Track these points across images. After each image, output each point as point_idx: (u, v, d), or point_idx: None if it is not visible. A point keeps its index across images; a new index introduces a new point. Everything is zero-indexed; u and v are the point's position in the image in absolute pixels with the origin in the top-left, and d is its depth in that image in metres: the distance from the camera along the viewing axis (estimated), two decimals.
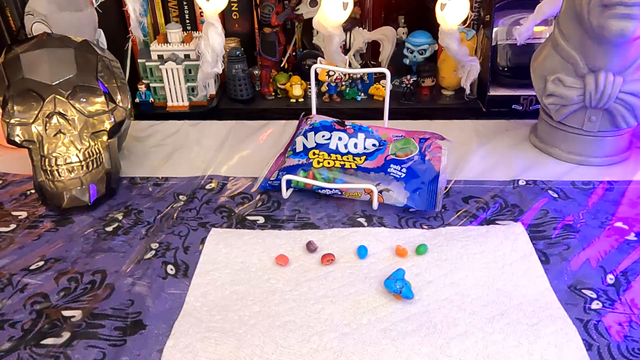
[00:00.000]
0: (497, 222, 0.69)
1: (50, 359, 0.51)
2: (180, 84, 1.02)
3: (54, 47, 0.73)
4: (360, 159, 0.77)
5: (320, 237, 0.67)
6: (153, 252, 0.65)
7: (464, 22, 0.99)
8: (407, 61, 1.07)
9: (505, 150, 0.87)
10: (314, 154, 0.77)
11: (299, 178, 0.73)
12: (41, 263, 0.64)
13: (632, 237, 0.66)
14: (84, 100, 0.73)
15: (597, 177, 0.78)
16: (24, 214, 0.73)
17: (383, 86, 1.05)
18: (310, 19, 0.97)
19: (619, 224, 0.68)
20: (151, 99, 1.04)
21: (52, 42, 0.74)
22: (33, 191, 0.77)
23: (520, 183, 0.77)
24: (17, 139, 0.72)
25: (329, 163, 0.75)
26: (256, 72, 1.08)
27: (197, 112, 1.03)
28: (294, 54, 1.13)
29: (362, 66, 1.11)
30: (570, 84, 0.77)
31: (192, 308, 0.57)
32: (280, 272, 0.62)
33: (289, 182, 0.74)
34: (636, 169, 0.80)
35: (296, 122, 0.91)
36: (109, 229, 0.70)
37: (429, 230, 0.68)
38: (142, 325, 0.55)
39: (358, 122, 0.83)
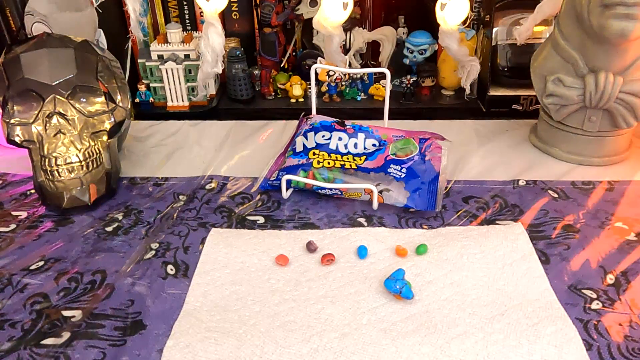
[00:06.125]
0: (497, 222, 0.69)
1: (50, 359, 0.51)
2: (180, 84, 1.02)
3: (54, 47, 0.73)
4: (360, 159, 0.77)
5: (320, 237, 0.67)
6: (153, 252, 0.65)
7: (464, 22, 0.99)
8: (407, 61, 1.07)
9: (505, 150, 0.87)
10: (314, 154, 0.77)
11: (299, 178, 0.73)
12: (41, 263, 0.64)
13: (632, 237, 0.66)
14: (84, 100, 0.73)
15: (597, 177, 0.78)
16: (24, 214, 0.73)
17: (383, 86, 1.05)
18: (310, 19, 0.97)
19: (619, 224, 0.68)
20: (151, 99, 1.04)
21: (52, 42, 0.73)
22: (33, 191, 0.77)
23: (520, 183, 0.77)
24: (17, 139, 0.72)
25: (329, 163, 0.75)
26: (256, 72, 1.08)
27: (197, 112, 1.03)
28: (294, 54, 1.13)
29: (362, 66, 1.12)
30: (570, 84, 0.77)
31: (192, 308, 0.57)
32: (280, 272, 0.62)
33: (289, 182, 0.74)
34: (636, 169, 0.80)
35: (296, 122, 0.91)
36: (109, 229, 0.70)
37: (429, 230, 0.68)
38: (142, 325, 0.55)
39: (358, 122, 0.83)
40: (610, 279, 0.59)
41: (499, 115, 1.00)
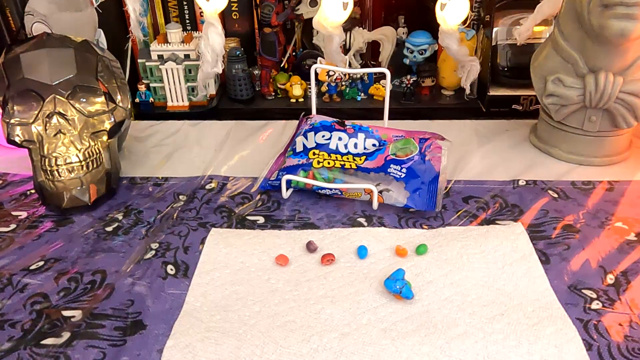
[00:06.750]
0: (497, 222, 0.69)
1: (50, 359, 0.51)
2: (180, 84, 1.02)
3: (54, 47, 0.73)
4: (360, 159, 0.77)
5: (320, 237, 0.67)
6: (153, 252, 0.65)
7: (464, 22, 0.99)
8: (407, 61, 1.07)
9: (505, 150, 0.87)
10: (314, 154, 0.77)
11: (299, 178, 0.73)
12: (41, 263, 0.64)
13: (632, 237, 0.66)
14: (84, 100, 0.73)
15: (597, 177, 0.78)
16: (24, 214, 0.73)
17: (383, 86, 1.05)
18: (310, 19, 0.97)
19: (619, 224, 0.68)
20: (151, 99, 1.04)
21: (52, 42, 0.73)
22: (33, 191, 0.77)
23: (520, 183, 0.77)
24: (17, 139, 0.72)
25: (329, 163, 0.75)
26: (256, 72, 1.08)
27: (197, 112, 1.03)
28: (294, 54, 1.13)
29: (362, 66, 1.12)
30: (570, 84, 0.77)
31: (192, 308, 0.57)
32: (280, 272, 0.62)
33: (289, 182, 0.74)
34: (636, 169, 0.80)
35: (296, 122, 0.91)
36: (109, 229, 0.70)
37: (429, 230, 0.68)
38: (142, 325, 0.55)
39: (358, 122, 0.83)
40: (610, 279, 0.59)
41: (499, 115, 1.00)
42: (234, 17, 1.10)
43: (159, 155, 0.88)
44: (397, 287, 0.56)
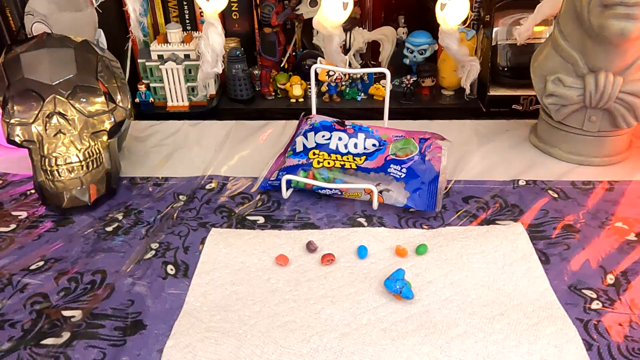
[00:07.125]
0: (497, 222, 0.69)
1: (50, 359, 0.51)
2: (180, 84, 1.02)
3: (54, 47, 0.73)
4: (360, 159, 0.77)
5: (320, 237, 0.67)
6: (153, 252, 0.65)
7: (464, 22, 0.99)
8: (407, 61, 1.07)
9: (505, 150, 0.87)
10: (314, 154, 0.77)
11: (299, 178, 0.73)
12: (41, 263, 0.64)
13: (632, 237, 0.66)
14: (84, 100, 0.73)
15: (597, 177, 0.78)
16: (24, 214, 0.73)
17: (383, 86, 1.05)
18: (310, 19, 0.97)
19: (619, 224, 0.68)
20: (151, 99, 1.04)
21: (52, 42, 0.73)
22: (33, 191, 0.77)
23: (520, 183, 0.77)
24: (17, 139, 0.72)
25: (329, 163, 0.75)
26: (256, 72, 1.08)
27: (197, 112, 1.03)
28: (294, 54, 1.13)
29: (362, 66, 1.12)
30: (570, 84, 0.77)
31: (192, 308, 0.57)
32: (280, 272, 0.62)
33: (289, 182, 0.74)
34: (636, 169, 0.80)
35: (296, 122, 0.91)
36: (109, 229, 0.70)
37: (429, 230, 0.68)
38: (142, 325, 0.55)
39: (358, 122, 0.83)
40: (610, 279, 0.59)
41: (499, 115, 1.01)
42: (234, 17, 1.10)
43: (159, 155, 0.88)
44: (397, 287, 0.56)
